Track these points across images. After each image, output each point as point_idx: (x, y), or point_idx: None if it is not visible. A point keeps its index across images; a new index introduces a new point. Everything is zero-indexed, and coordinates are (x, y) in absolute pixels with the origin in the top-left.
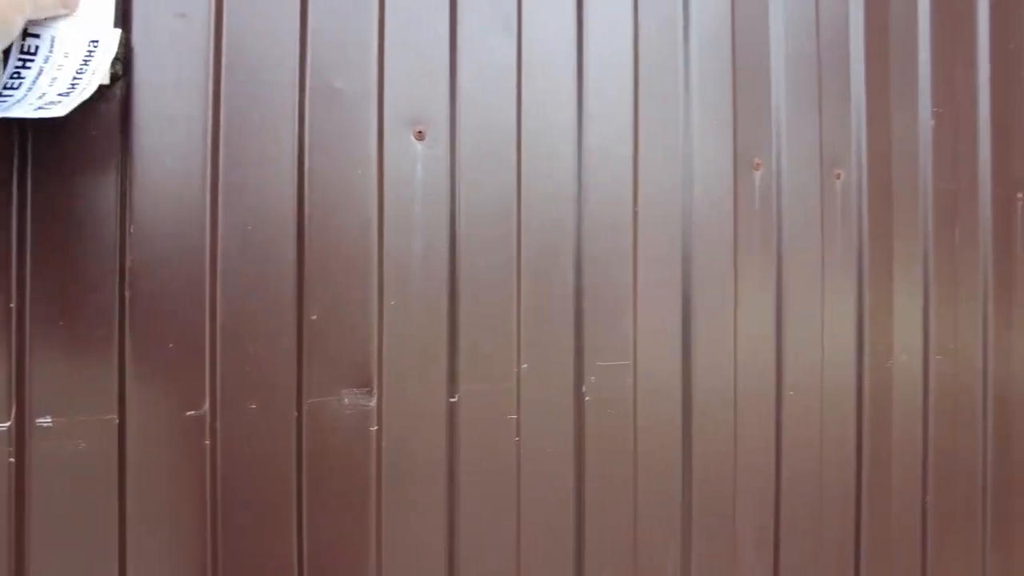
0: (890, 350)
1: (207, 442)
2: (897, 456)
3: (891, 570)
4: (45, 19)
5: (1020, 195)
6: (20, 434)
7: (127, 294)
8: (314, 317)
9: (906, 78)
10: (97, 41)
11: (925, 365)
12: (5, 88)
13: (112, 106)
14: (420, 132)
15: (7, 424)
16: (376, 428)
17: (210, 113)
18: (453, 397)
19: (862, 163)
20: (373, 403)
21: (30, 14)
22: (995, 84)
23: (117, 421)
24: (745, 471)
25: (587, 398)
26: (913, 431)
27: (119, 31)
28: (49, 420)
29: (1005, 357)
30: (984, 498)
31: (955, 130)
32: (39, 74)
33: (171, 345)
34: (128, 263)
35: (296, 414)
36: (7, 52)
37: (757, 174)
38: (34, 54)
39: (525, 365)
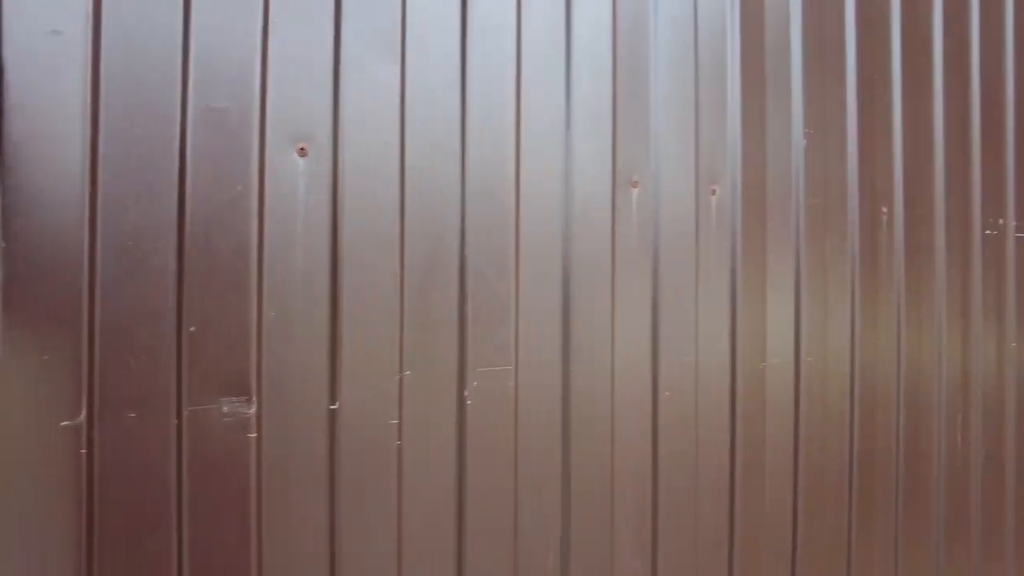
0: (763, 353)
1: (83, 451)
2: (770, 450)
3: (762, 558)
4: None
5: (884, 209)
6: None
7: None
8: (193, 329)
9: (780, 101)
10: None
11: (796, 366)
12: None
13: None
14: (303, 149)
15: None
16: (255, 435)
17: (88, 130)
18: (334, 404)
19: (736, 180)
20: (252, 411)
21: None
22: (862, 109)
23: None
24: (623, 467)
25: (469, 402)
26: (784, 427)
27: None
28: None
29: (872, 358)
30: (850, 490)
31: (825, 149)
32: None
33: (47, 357)
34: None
35: (176, 422)
36: None
37: (635, 192)
38: None
39: (408, 372)
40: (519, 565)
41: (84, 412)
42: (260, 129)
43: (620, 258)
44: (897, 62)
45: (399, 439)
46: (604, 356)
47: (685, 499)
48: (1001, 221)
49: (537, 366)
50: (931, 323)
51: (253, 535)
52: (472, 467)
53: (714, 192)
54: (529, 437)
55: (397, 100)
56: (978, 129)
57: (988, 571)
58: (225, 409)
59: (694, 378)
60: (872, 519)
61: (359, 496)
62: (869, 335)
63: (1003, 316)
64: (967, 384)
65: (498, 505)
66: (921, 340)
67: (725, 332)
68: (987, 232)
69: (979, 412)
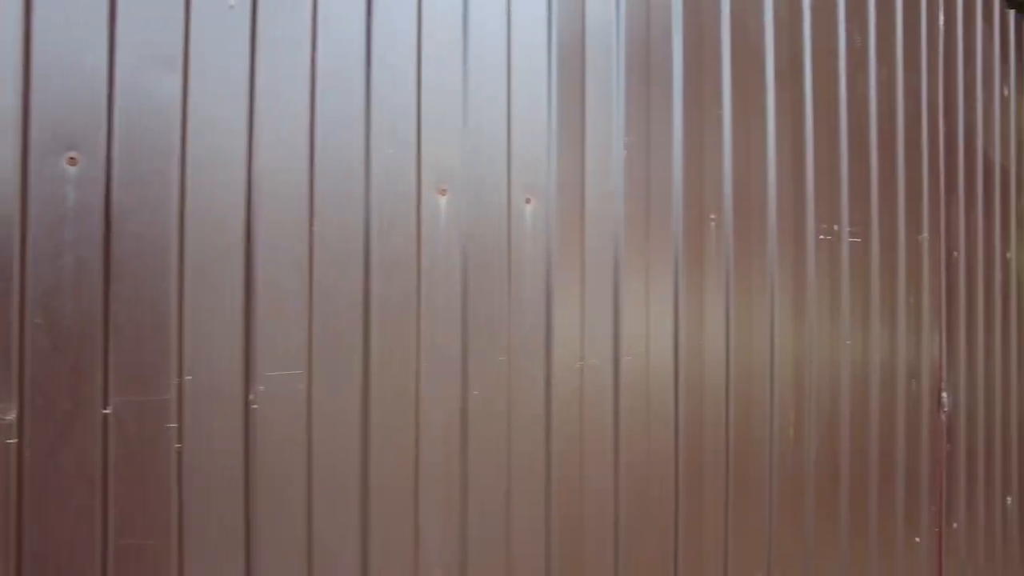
0: (579, 354)
1: None
2: (589, 452)
3: (585, 565)
4: None
5: (713, 216)
6: None
7: None
8: None
9: (600, 110)
10: None
11: (616, 366)
12: None
13: None
14: (73, 158)
15: None
16: (16, 441)
17: None
18: (106, 408)
19: (552, 188)
20: (13, 416)
21: None
22: (689, 117)
23: None
24: (429, 467)
25: (254, 406)
26: (603, 424)
27: None
28: None
29: (697, 358)
30: (677, 488)
31: (648, 158)
32: None
33: None
34: None
35: None
36: None
37: (443, 199)
38: None
39: (189, 377)
40: (314, 567)
41: None
42: (23, 137)
43: (426, 261)
44: (727, 70)
45: (179, 443)
46: (408, 357)
47: (498, 499)
48: (836, 227)
49: (333, 369)
50: (763, 324)
51: (12, 544)
52: (261, 470)
53: (528, 201)
54: (324, 441)
55: (179, 109)
56: (811, 136)
57: (820, 569)
58: None
59: (506, 377)
60: (700, 520)
61: (134, 498)
62: (694, 336)
63: (838, 316)
64: (800, 382)
65: (289, 504)
66: (752, 340)
67: (540, 334)
68: (821, 237)
69: (813, 409)
